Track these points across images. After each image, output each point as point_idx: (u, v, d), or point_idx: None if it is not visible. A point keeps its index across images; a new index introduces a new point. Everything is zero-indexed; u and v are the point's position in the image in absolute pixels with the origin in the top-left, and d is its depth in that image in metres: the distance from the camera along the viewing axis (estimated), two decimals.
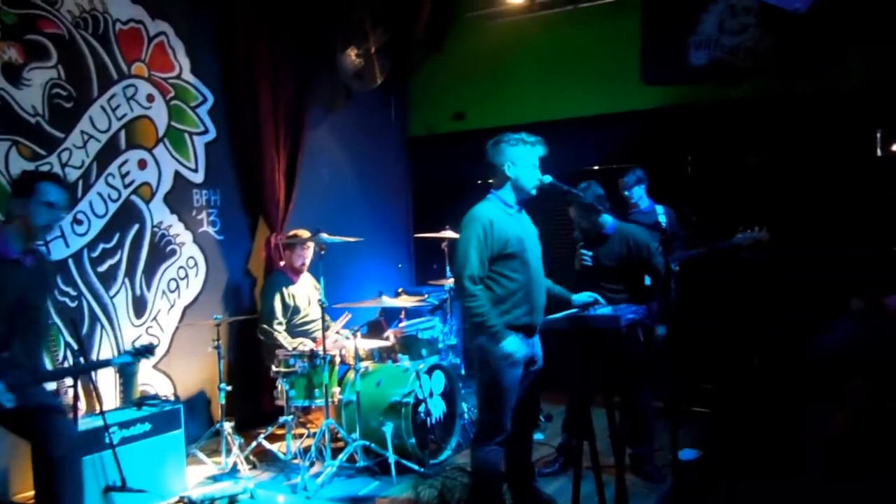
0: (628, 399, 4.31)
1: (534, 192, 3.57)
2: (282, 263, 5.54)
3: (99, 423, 3.84)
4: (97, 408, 3.97)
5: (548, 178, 3.57)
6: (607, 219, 4.32)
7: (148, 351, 3.63)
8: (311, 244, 5.32)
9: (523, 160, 3.51)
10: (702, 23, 6.01)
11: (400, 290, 5.99)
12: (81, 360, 3.95)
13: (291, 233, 5.45)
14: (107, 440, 3.84)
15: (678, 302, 5.31)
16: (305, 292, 5.41)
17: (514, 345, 3.33)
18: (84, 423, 3.81)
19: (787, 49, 5.64)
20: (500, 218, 3.45)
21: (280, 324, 5.22)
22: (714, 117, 6.00)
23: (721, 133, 5.99)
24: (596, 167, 6.43)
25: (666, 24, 6.17)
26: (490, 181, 3.67)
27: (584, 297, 3.68)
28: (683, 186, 6.15)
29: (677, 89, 6.20)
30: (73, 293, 4.67)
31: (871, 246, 5.24)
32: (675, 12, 6.11)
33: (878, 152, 5.32)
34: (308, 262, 5.39)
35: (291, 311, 5.31)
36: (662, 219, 5.32)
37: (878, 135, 5.31)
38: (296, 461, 4.60)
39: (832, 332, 3.69)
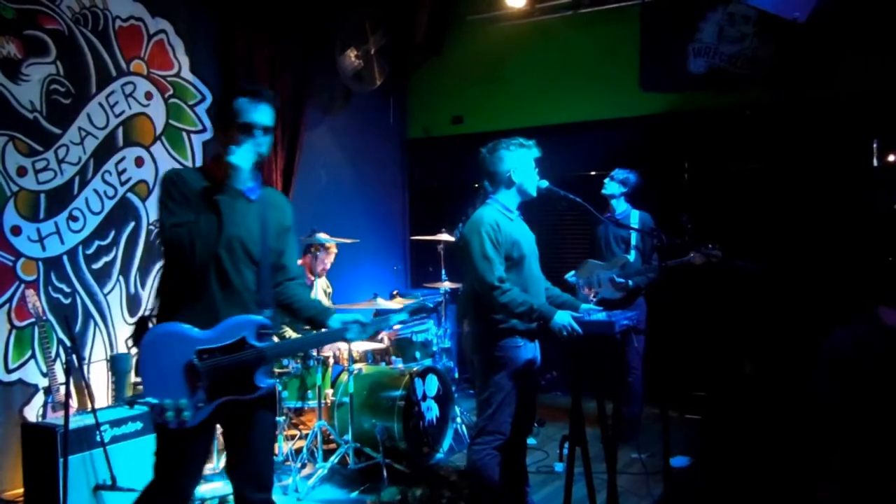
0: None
1: (535, 194, 3.58)
2: (298, 262, 5.39)
3: (90, 421, 3.82)
4: (89, 405, 3.96)
5: (544, 183, 3.57)
6: None
7: (423, 311, 3.09)
8: (334, 250, 5.24)
9: (524, 164, 3.52)
10: (700, 31, 6.03)
11: (395, 292, 5.99)
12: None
13: (314, 237, 5.17)
14: (98, 438, 3.83)
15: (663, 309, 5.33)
16: (317, 295, 5.33)
17: (566, 317, 3.31)
18: (75, 421, 3.79)
19: (785, 58, 5.66)
20: (503, 222, 3.46)
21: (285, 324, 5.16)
22: (712, 125, 6.02)
23: (719, 141, 6.00)
24: (593, 172, 6.43)
25: (665, 32, 6.19)
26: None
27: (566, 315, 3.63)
28: (680, 193, 6.16)
29: (676, 96, 6.22)
30: (67, 290, 4.65)
31: (866, 255, 5.25)
32: (675, 20, 6.13)
33: (875, 162, 5.34)
34: (328, 266, 5.29)
35: None
36: (636, 225, 5.24)
37: (875, 144, 5.33)
38: (287, 462, 4.58)
39: (843, 333, 3.66)
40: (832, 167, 5.51)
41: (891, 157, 5.28)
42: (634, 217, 5.21)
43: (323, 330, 2.79)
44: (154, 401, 2.43)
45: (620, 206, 5.31)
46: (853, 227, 5.34)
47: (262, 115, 2.61)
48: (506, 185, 3.53)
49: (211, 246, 2.50)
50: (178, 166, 5.36)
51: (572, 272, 5.39)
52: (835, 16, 5.12)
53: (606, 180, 5.34)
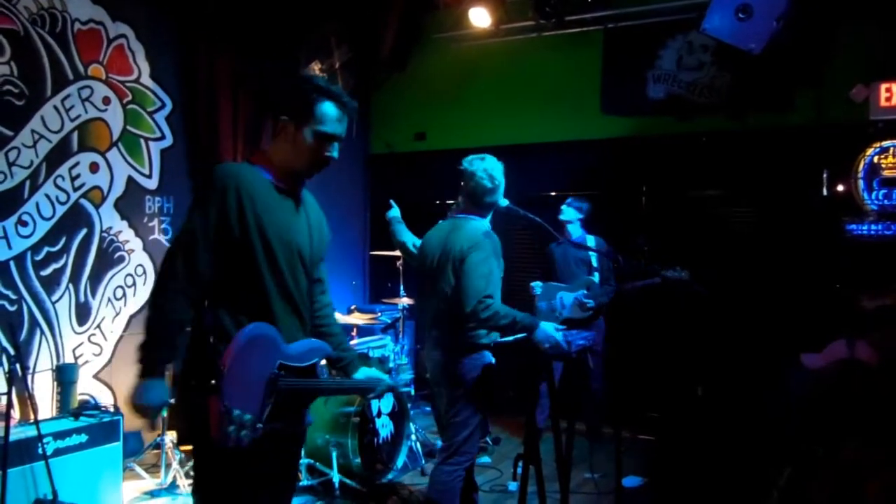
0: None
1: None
2: None
3: (33, 432, 3.69)
4: (31, 417, 3.82)
5: (505, 202, 3.61)
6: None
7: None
8: None
9: None
10: (660, 58, 6.17)
11: (353, 307, 5.94)
12: None
13: None
14: (40, 451, 3.70)
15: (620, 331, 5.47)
16: None
17: (550, 328, 3.28)
18: (16, 433, 3.66)
19: (741, 87, 5.81)
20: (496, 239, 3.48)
21: None
22: (669, 150, 6.14)
23: (676, 166, 6.13)
24: (553, 193, 6.50)
25: (626, 57, 6.31)
26: (450, 202, 3.68)
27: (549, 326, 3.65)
28: (637, 216, 6.26)
29: (635, 121, 6.33)
30: (13, 297, 4.51)
31: (814, 281, 5.39)
32: (635, 46, 6.26)
33: (825, 191, 5.50)
34: None
35: None
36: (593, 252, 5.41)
37: (825, 174, 5.49)
38: None
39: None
40: (784, 195, 5.67)
41: (839, 188, 5.44)
42: (590, 242, 5.40)
43: (356, 380, 2.67)
44: (232, 407, 2.13)
45: (577, 231, 5.51)
46: (801, 253, 5.49)
47: (344, 127, 2.47)
48: (491, 205, 3.54)
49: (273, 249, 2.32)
50: (135, 174, 5.26)
51: (538, 282, 5.50)
52: (789, 50, 5.29)
53: (563, 206, 5.57)
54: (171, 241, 2.22)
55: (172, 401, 2.35)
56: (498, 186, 3.51)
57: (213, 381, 2.12)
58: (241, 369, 2.18)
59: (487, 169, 3.49)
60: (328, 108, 2.39)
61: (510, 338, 3.38)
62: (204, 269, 2.26)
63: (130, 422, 4.73)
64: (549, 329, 3.27)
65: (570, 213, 5.51)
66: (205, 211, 2.28)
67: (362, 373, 2.67)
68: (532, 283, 5.54)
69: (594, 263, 5.42)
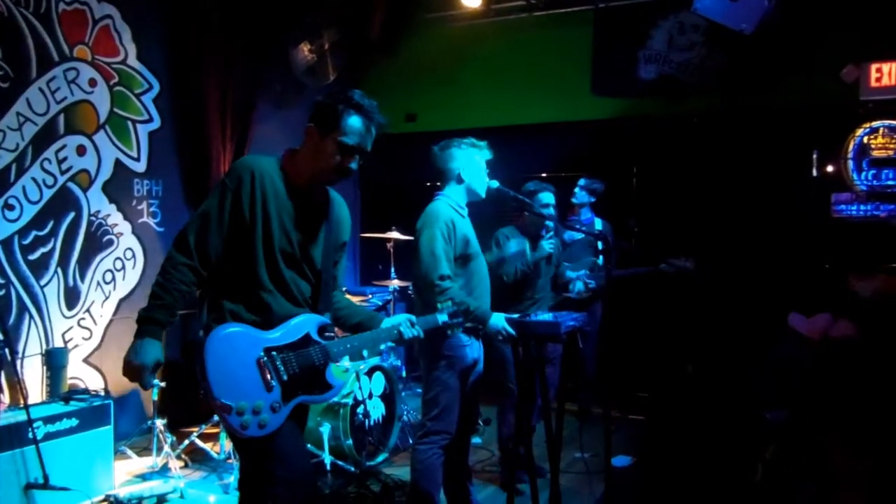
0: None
1: (483, 195, 3.59)
2: None
3: (22, 417, 3.69)
4: (21, 401, 3.82)
5: (494, 184, 3.59)
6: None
7: (461, 315, 2.95)
8: None
9: (475, 164, 3.53)
10: (652, 38, 6.14)
11: (343, 289, 5.93)
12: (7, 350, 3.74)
13: None
14: (30, 435, 3.70)
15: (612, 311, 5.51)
16: None
17: (500, 320, 3.31)
18: (6, 417, 3.66)
19: (732, 68, 5.80)
20: (457, 219, 3.46)
21: None
22: (660, 131, 6.13)
23: (667, 147, 6.12)
24: (544, 174, 6.49)
25: (617, 37, 6.28)
26: (437, 184, 3.66)
27: (499, 318, 3.62)
28: (628, 197, 6.26)
29: (626, 102, 6.31)
30: (1, 281, 4.48)
31: (803, 261, 5.42)
32: (627, 26, 6.23)
33: (814, 172, 5.51)
34: None
35: None
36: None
37: (815, 155, 5.50)
38: (229, 461, 4.50)
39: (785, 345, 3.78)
40: (774, 175, 5.67)
41: (829, 168, 5.45)
42: (598, 225, 5.46)
43: (380, 328, 2.71)
44: (229, 402, 2.27)
45: (586, 214, 5.59)
46: (791, 234, 5.51)
47: (369, 141, 2.55)
48: (455, 181, 3.54)
49: (273, 245, 2.45)
50: (122, 157, 5.22)
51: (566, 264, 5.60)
52: (780, 31, 5.27)
53: (576, 189, 5.60)
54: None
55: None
56: (449, 154, 3.52)
57: (201, 385, 2.31)
58: (223, 372, 2.32)
59: (442, 142, 3.57)
60: (354, 121, 2.48)
61: (468, 324, 3.39)
62: (212, 250, 2.42)
63: (121, 404, 4.74)
64: (500, 321, 3.30)
65: (581, 197, 5.59)
66: (222, 196, 2.44)
67: (385, 323, 2.74)
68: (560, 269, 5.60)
69: (600, 246, 5.45)
